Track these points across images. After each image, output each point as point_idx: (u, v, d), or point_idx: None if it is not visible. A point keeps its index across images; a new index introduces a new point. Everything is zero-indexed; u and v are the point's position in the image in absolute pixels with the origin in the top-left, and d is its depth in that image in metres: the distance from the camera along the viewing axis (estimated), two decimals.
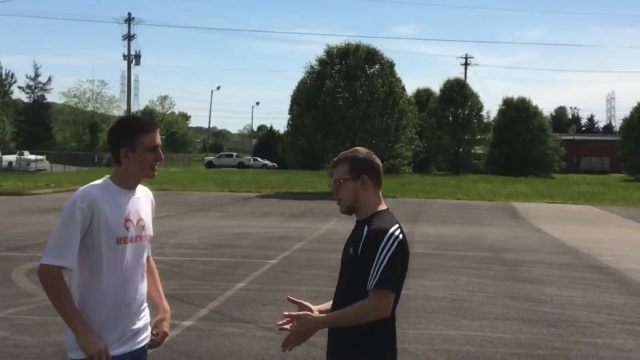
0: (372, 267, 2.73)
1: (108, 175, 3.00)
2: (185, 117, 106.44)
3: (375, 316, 2.74)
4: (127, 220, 2.91)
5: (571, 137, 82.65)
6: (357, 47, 34.09)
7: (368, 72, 33.75)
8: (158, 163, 2.98)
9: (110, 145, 2.97)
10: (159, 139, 2.99)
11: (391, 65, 34.57)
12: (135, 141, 2.90)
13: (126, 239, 2.89)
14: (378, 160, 2.97)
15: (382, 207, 2.93)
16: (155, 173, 2.99)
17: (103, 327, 2.85)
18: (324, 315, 2.87)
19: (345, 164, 2.92)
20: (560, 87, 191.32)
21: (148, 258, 3.15)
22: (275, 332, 6.52)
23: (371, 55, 34.21)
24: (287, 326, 2.85)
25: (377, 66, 34.16)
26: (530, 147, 60.91)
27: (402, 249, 2.79)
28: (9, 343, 6.15)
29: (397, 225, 2.83)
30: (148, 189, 3.14)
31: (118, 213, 2.89)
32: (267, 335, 6.58)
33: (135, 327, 2.96)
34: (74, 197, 2.86)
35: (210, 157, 77.30)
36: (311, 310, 2.94)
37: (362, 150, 2.98)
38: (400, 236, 2.80)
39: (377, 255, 2.73)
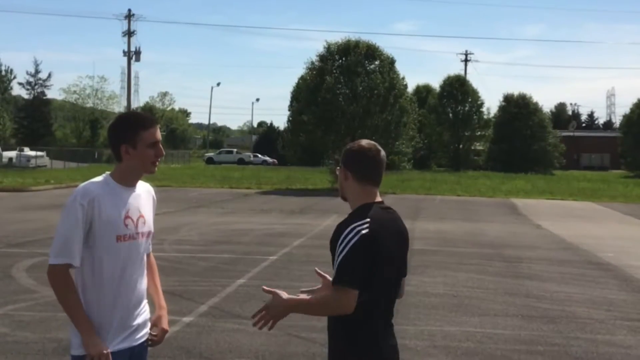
0: (334, 262, 2.71)
1: (108, 172, 3.00)
2: (185, 113, 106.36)
3: (339, 311, 2.68)
4: (127, 217, 2.91)
5: (571, 134, 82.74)
6: (357, 44, 34.03)
7: (368, 68, 33.70)
8: (159, 159, 2.98)
9: (110, 142, 2.96)
10: (159, 134, 2.98)
11: (391, 62, 34.49)
12: (136, 137, 2.89)
13: (126, 237, 2.89)
14: (371, 154, 2.82)
15: (369, 200, 2.81)
16: (156, 169, 2.99)
17: (102, 324, 2.86)
18: (297, 297, 2.81)
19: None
20: (560, 83, 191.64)
21: (148, 254, 3.16)
22: (275, 329, 6.52)
23: (371, 52, 34.15)
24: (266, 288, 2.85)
25: (377, 62, 34.11)
26: (530, 143, 60.89)
27: (364, 243, 2.64)
28: (9, 339, 6.16)
29: (366, 220, 2.68)
30: (149, 185, 3.14)
31: (118, 210, 2.89)
32: (267, 331, 6.57)
33: (134, 323, 2.96)
34: (74, 194, 2.86)
35: (210, 154, 77.25)
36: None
37: (361, 142, 2.89)
38: (365, 230, 2.65)
39: (337, 251, 2.69)
